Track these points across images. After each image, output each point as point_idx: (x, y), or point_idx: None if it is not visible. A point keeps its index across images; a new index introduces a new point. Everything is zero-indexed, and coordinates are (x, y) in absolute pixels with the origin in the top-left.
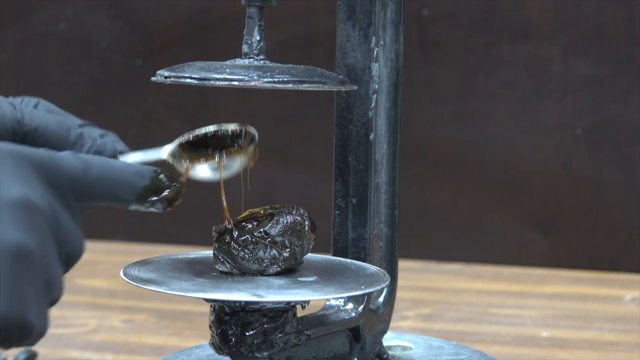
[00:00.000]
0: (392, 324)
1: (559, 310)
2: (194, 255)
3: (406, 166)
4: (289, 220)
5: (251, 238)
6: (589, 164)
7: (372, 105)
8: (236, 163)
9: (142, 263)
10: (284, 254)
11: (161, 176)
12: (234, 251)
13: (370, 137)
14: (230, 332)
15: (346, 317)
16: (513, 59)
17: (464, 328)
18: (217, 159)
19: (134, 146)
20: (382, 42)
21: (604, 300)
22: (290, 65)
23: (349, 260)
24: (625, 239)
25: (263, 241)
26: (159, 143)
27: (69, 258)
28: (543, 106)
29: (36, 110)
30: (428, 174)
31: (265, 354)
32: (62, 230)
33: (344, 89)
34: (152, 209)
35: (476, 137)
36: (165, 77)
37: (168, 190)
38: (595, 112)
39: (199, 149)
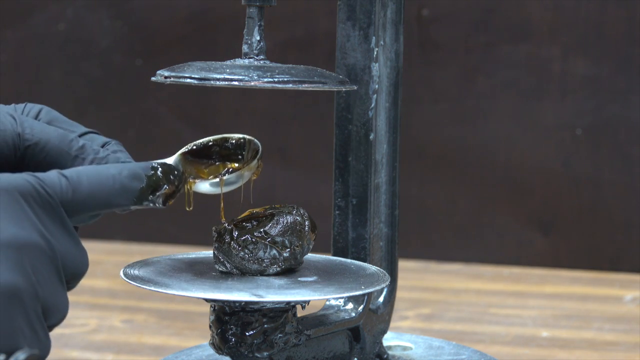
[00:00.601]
0: (392, 324)
1: (559, 310)
2: (194, 255)
3: (406, 166)
4: (289, 220)
5: (251, 238)
6: (589, 164)
7: (372, 105)
8: (238, 177)
9: (142, 263)
10: (284, 254)
11: (158, 173)
12: (234, 251)
13: (370, 137)
14: (230, 332)
15: (346, 317)
16: (513, 59)
17: (464, 328)
18: (219, 176)
19: (134, 146)
20: (382, 42)
21: (604, 300)
22: (290, 65)
23: (349, 260)
24: (625, 239)
25: (263, 241)
26: (159, 143)
27: (72, 278)
28: (543, 106)
29: (37, 123)
30: (428, 174)
31: (265, 354)
32: (59, 256)
33: (344, 89)
34: (152, 206)
35: (476, 137)
36: (165, 77)
37: (166, 186)
38: (595, 112)
39: (202, 158)
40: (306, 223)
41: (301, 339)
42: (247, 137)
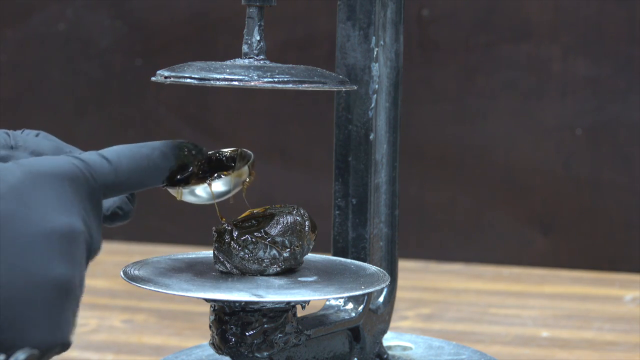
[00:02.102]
0: (392, 324)
1: (559, 310)
2: (194, 255)
3: (406, 166)
4: (289, 221)
5: (251, 238)
6: (589, 164)
7: (372, 105)
8: (228, 184)
9: (142, 263)
10: (284, 254)
11: (185, 152)
12: (234, 251)
13: (370, 137)
14: (230, 332)
15: (346, 317)
16: (513, 59)
17: (464, 328)
18: (208, 181)
19: None
20: (382, 42)
21: (604, 300)
22: (290, 65)
23: (349, 260)
24: (625, 239)
25: (263, 241)
26: None
27: (90, 256)
28: (543, 106)
29: (32, 138)
30: (428, 174)
31: (265, 354)
32: (91, 239)
33: (343, 89)
34: (177, 190)
35: (476, 137)
36: (165, 77)
37: (192, 167)
38: (595, 112)
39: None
40: (306, 223)
41: (301, 339)
42: (240, 149)
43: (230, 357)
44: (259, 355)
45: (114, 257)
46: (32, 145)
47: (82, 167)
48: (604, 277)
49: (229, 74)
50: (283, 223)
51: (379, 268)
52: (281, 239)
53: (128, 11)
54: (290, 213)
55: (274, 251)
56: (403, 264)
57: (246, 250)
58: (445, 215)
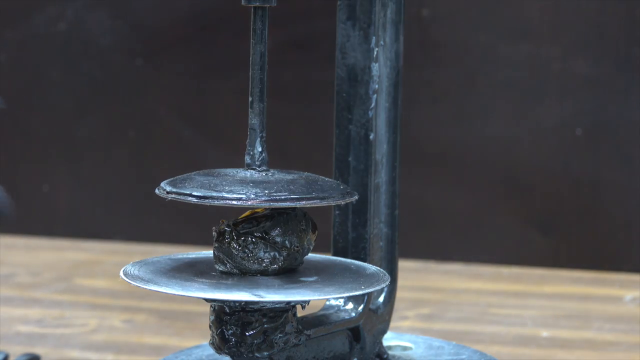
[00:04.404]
0: (392, 324)
1: (559, 310)
2: (194, 255)
3: (406, 166)
4: (289, 221)
5: (251, 238)
6: (589, 164)
7: (372, 105)
8: None
9: (142, 263)
10: (284, 254)
11: None
12: (234, 251)
13: (370, 137)
14: (230, 332)
15: (346, 317)
16: (513, 59)
17: (464, 328)
18: None
19: (134, 146)
20: (382, 42)
21: (604, 300)
22: (292, 177)
23: (349, 260)
24: (625, 239)
25: (263, 241)
26: (159, 143)
27: None
28: (543, 106)
29: None
30: (428, 174)
31: (265, 354)
32: None
33: (343, 203)
34: None
35: (476, 137)
36: (168, 193)
37: None
38: (595, 112)
39: None
40: (306, 223)
41: (301, 339)
42: None
43: (230, 357)
44: (259, 355)
45: (114, 257)
46: None
47: None
48: (604, 277)
49: (227, 192)
50: (283, 223)
51: (379, 268)
52: (281, 239)
53: (128, 11)
54: (290, 213)
55: (274, 251)
56: (403, 264)
57: (246, 250)
58: (445, 215)
